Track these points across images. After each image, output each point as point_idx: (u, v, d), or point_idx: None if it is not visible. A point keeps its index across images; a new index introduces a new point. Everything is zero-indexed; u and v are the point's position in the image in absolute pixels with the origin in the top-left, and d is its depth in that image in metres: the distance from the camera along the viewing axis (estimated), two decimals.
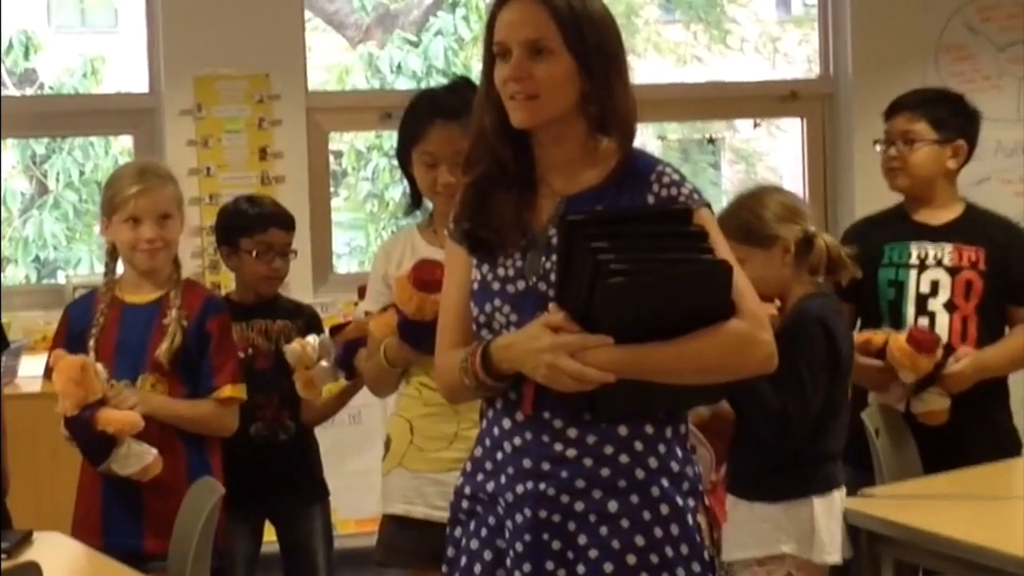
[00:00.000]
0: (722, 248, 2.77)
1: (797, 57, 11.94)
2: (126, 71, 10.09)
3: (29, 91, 11.38)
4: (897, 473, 4.40)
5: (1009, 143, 7.06)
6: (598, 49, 2.77)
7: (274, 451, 4.56)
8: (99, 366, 3.95)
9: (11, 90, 11.17)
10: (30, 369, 5.63)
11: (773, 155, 12.82)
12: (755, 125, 8.43)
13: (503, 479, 2.79)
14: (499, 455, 2.81)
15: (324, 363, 4.46)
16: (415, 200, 3.90)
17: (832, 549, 3.79)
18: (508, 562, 2.77)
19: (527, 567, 2.73)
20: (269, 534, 4.75)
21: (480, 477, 2.85)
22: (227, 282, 5.37)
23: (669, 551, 2.72)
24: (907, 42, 7.00)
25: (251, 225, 4.67)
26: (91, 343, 4.03)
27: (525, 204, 2.84)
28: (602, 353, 2.65)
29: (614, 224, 2.69)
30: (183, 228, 4.16)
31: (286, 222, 4.73)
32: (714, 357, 2.70)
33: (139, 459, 3.93)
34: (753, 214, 3.90)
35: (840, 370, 3.85)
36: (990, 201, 6.97)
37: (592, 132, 2.82)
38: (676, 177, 2.81)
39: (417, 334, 3.59)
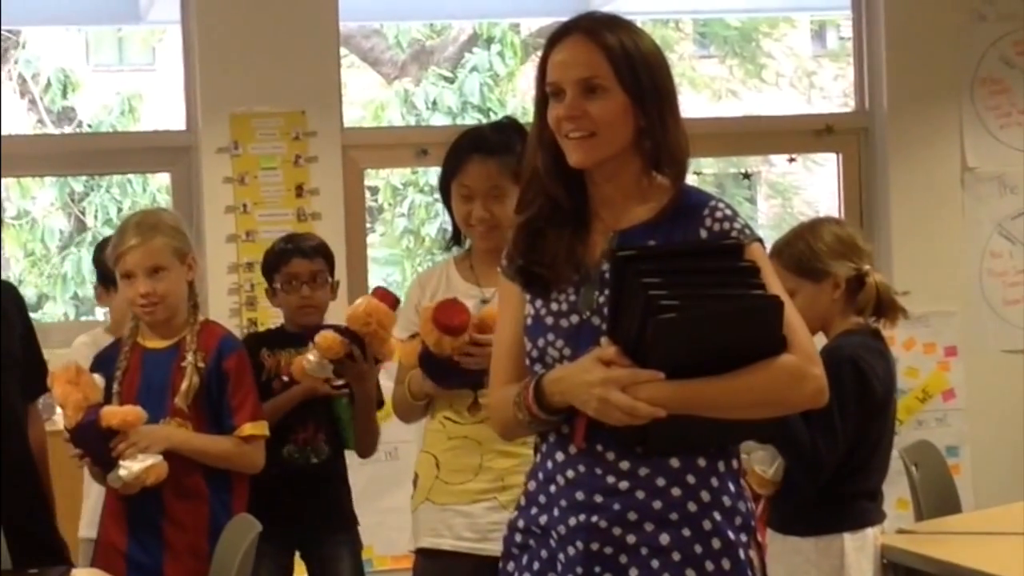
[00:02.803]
0: (773, 283, 2.77)
1: (832, 91, 11.94)
2: (163, 109, 10.15)
3: (67, 129, 11.46)
4: (934, 508, 4.38)
5: None
6: (651, 86, 2.79)
7: (305, 474, 4.57)
8: (97, 376, 3.98)
9: (50, 128, 11.26)
10: None
11: (809, 189, 12.79)
12: (790, 160, 8.41)
13: (556, 512, 2.80)
14: (552, 488, 2.81)
15: (311, 356, 4.44)
16: (456, 235, 3.94)
17: None
18: None
19: None
20: (299, 571, 4.75)
21: (534, 511, 2.85)
22: (264, 319, 5.39)
23: None
24: (943, 76, 6.98)
25: (277, 261, 4.75)
26: (115, 388, 4.06)
27: (578, 240, 2.85)
28: (653, 388, 2.66)
29: (666, 259, 2.71)
30: (191, 273, 4.14)
31: (306, 251, 4.76)
32: (765, 392, 2.70)
33: (151, 456, 3.94)
34: (808, 246, 3.91)
35: (874, 408, 3.83)
36: None
37: (647, 168, 2.84)
38: (728, 212, 2.82)
39: (435, 367, 3.68)
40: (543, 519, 2.82)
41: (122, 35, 13.01)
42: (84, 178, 11.03)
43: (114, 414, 3.92)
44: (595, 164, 2.81)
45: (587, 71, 2.78)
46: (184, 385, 4.02)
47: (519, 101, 11.75)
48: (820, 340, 3.97)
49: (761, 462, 3.85)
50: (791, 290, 3.87)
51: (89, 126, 11.46)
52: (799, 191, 13.19)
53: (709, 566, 2.71)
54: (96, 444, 3.94)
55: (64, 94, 11.63)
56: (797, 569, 3.82)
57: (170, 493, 3.99)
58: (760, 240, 2.82)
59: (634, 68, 2.78)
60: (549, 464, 2.82)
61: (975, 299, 6.98)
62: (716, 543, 2.72)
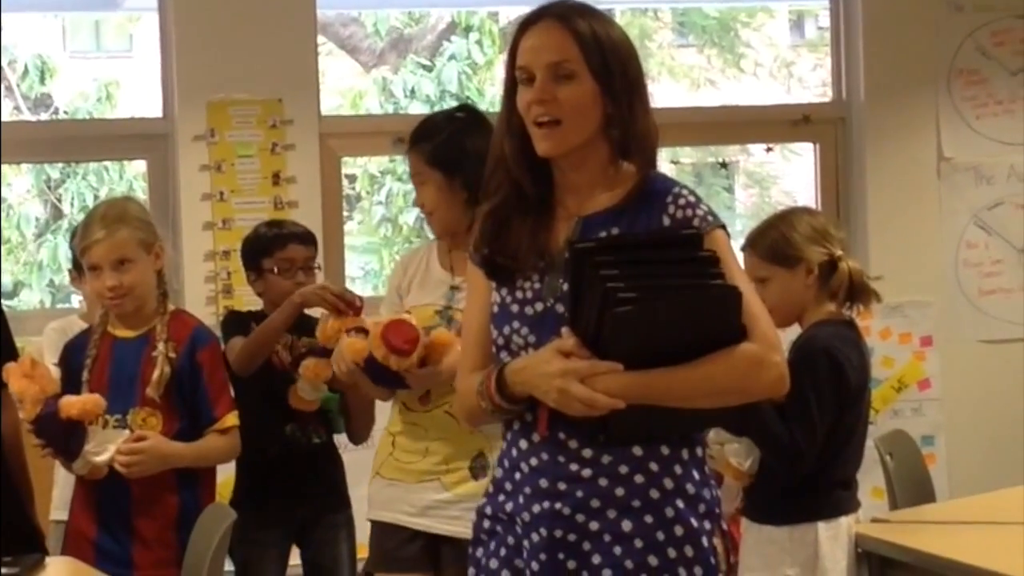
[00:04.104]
0: (735, 271, 2.77)
1: (810, 81, 11.95)
2: (140, 96, 10.12)
3: (44, 116, 11.41)
4: (909, 498, 4.39)
5: (1022, 167, 7.04)
6: (621, 73, 2.80)
7: (308, 453, 4.63)
8: (53, 367, 4.02)
9: (26, 115, 11.21)
10: None
11: (787, 179, 12.81)
12: (768, 149, 8.42)
13: (521, 499, 2.81)
14: (517, 475, 2.82)
15: (303, 385, 4.56)
16: None
17: (836, 575, 3.80)
18: None
19: None
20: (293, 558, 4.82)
21: (500, 497, 2.87)
22: (241, 307, 5.37)
23: (682, 572, 2.72)
24: (920, 66, 6.99)
25: (271, 245, 4.78)
26: (84, 377, 4.05)
27: (542, 227, 2.86)
28: (611, 379, 2.67)
29: (624, 250, 2.71)
30: (161, 262, 4.15)
31: (305, 238, 4.83)
32: (724, 380, 2.70)
33: (117, 436, 3.95)
34: (781, 234, 3.93)
35: (849, 398, 3.85)
36: (1003, 225, 7.02)
37: (614, 156, 2.84)
38: (692, 199, 2.81)
39: (378, 374, 3.83)
40: (509, 506, 2.83)
41: (99, 21, 12.96)
42: (60, 165, 10.98)
43: (72, 404, 3.91)
44: (562, 154, 2.81)
45: (558, 56, 2.78)
46: (156, 375, 4.01)
47: (497, 90, 11.70)
48: (795, 330, 3.99)
49: (737, 455, 3.86)
50: (765, 278, 3.91)
51: (65, 113, 11.40)
52: (777, 180, 13.19)
53: (672, 553, 2.72)
54: (57, 435, 3.93)
55: (41, 80, 11.57)
56: (772, 559, 3.84)
57: (139, 483, 3.98)
58: (723, 227, 2.81)
59: (604, 55, 2.78)
60: (514, 452, 2.83)
61: (951, 289, 7.00)
62: (679, 530, 2.73)
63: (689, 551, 2.73)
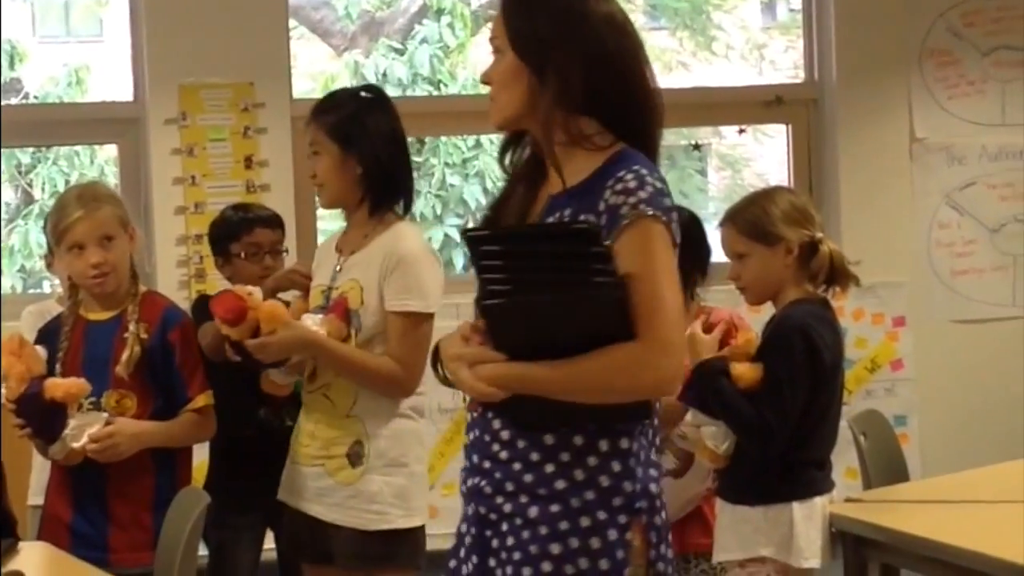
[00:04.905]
0: (652, 267, 2.64)
1: (782, 63, 11.95)
2: (111, 80, 10.06)
3: (14, 100, 11.35)
4: (883, 477, 4.41)
5: (993, 147, 7.07)
6: (550, 41, 2.72)
7: (280, 435, 4.61)
8: (40, 348, 4.01)
9: None
10: None
11: (759, 161, 12.81)
12: (740, 131, 8.41)
13: (463, 472, 2.84)
14: (465, 449, 2.85)
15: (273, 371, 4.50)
16: None
17: (810, 554, 3.81)
18: (462, 552, 2.81)
19: (474, 559, 2.77)
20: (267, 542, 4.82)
21: (463, 469, 2.88)
22: (214, 291, 5.35)
23: (584, 563, 2.67)
24: (891, 47, 7.01)
25: (237, 229, 4.76)
26: (58, 363, 4.03)
27: (529, 201, 2.83)
28: (491, 368, 2.66)
29: (512, 241, 2.66)
30: (136, 244, 4.15)
31: (271, 221, 4.80)
32: (599, 379, 2.62)
33: (95, 420, 3.93)
34: (763, 210, 3.93)
35: (823, 378, 3.85)
36: (975, 205, 7.04)
37: (582, 131, 2.75)
38: (632, 184, 2.67)
39: (234, 346, 3.93)
40: (463, 477, 2.86)
41: (68, 5, 12.90)
42: (31, 150, 10.93)
43: (57, 386, 3.90)
44: (504, 127, 2.83)
45: (492, 32, 2.82)
46: (125, 355, 4.00)
47: (469, 72, 11.71)
48: (769, 309, 3.99)
49: (713, 437, 3.86)
50: (743, 253, 3.92)
51: (36, 97, 11.35)
52: (749, 163, 13.19)
53: (574, 543, 2.67)
54: (39, 416, 3.91)
55: (11, 65, 11.51)
56: (746, 539, 3.85)
57: (115, 466, 3.97)
58: (665, 214, 2.67)
59: (525, 29, 2.75)
60: (466, 426, 2.85)
61: (924, 270, 7.02)
62: (584, 521, 2.67)
63: (595, 543, 2.67)
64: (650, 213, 2.65)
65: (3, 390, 3.94)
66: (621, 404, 2.67)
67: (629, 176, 2.68)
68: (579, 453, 2.69)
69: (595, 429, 2.69)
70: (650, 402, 2.72)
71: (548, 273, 2.59)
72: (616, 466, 2.70)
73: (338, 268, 4.04)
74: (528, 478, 2.70)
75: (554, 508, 2.68)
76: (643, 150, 2.78)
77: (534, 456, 2.70)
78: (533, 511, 2.69)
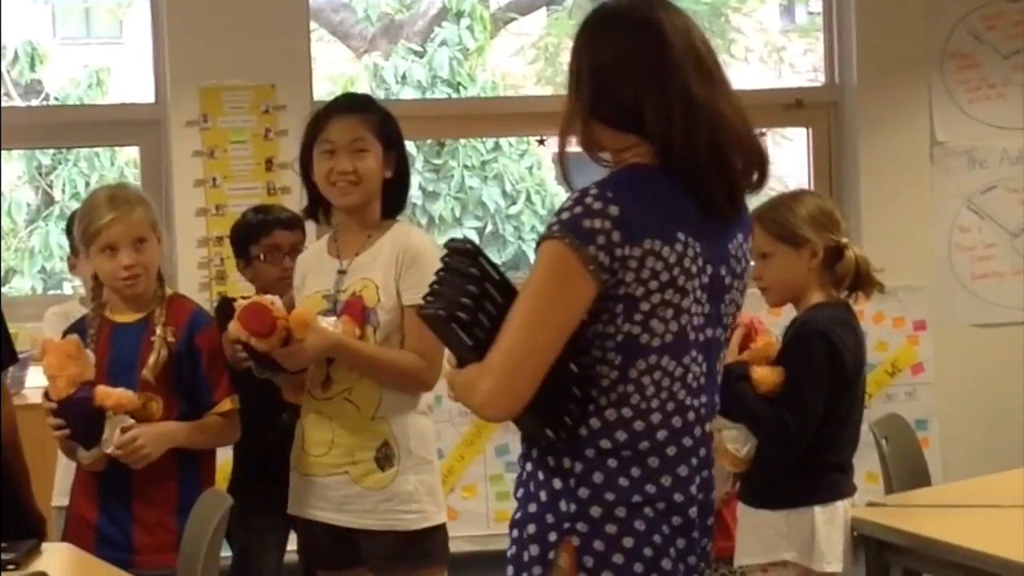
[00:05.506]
0: (523, 286, 2.64)
1: (802, 66, 11.94)
2: (132, 82, 10.08)
3: (35, 102, 11.39)
4: (904, 481, 4.40)
5: (1014, 151, 7.06)
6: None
7: None
8: (91, 354, 3.97)
9: (16, 101, 11.18)
10: (37, 380, 5.63)
11: (779, 164, 12.80)
12: (760, 134, 8.41)
13: None
14: None
15: None
16: (312, 207, 4.13)
17: (832, 558, 3.81)
18: None
19: None
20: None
21: None
22: (235, 292, 5.36)
23: (510, 571, 2.75)
24: (912, 50, 7.00)
25: (256, 231, 4.76)
26: None
27: None
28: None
29: (460, 256, 2.72)
30: (163, 247, 4.15)
31: (290, 223, 4.79)
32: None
33: (119, 423, 3.93)
34: (789, 211, 3.93)
35: (845, 383, 3.85)
36: (996, 209, 7.03)
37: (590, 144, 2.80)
38: (566, 204, 2.65)
39: (254, 356, 3.84)
40: None
41: (89, 8, 12.93)
42: (52, 151, 10.96)
43: (109, 395, 3.89)
44: None
45: None
46: (152, 358, 4.00)
47: (488, 75, 11.72)
48: (788, 314, 3.99)
49: (734, 441, 3.86)
50: (768, 253, 3.92)
51: (56, 99, 11.38)
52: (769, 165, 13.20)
53: (515, 548, 2.75)
54: (82, 420, 3.91)
55: (31, 67, 11.55)
56: (768, 542, 3.85)
57: (141, 468, 3.97)
58: (575, 235, 2.59)
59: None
60: None
61: (944, 273, 7.01)
62: (531, 528, 2.73)
63: (534, 550, 2.71)
64: (555, 233, 2.62)
65: (49, 389, 3.94)
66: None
67: (576, 195, 2.66)
68: (536, 464, 2.75)
69: (547, 445, 2.72)
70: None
71: (433, 285, 2.71)
72: (557, 483, 2.71)
73: (342, 271, 3.99)
74: (515, 480, 2.84)
75: (517, 515, 2.78)
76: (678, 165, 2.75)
77: (520, 461, 2.81)
78: (515, 512, 2.79)
